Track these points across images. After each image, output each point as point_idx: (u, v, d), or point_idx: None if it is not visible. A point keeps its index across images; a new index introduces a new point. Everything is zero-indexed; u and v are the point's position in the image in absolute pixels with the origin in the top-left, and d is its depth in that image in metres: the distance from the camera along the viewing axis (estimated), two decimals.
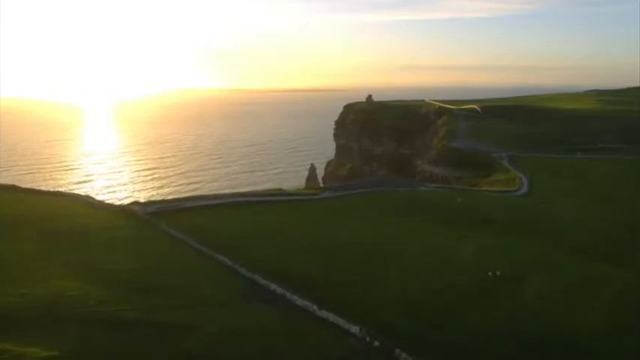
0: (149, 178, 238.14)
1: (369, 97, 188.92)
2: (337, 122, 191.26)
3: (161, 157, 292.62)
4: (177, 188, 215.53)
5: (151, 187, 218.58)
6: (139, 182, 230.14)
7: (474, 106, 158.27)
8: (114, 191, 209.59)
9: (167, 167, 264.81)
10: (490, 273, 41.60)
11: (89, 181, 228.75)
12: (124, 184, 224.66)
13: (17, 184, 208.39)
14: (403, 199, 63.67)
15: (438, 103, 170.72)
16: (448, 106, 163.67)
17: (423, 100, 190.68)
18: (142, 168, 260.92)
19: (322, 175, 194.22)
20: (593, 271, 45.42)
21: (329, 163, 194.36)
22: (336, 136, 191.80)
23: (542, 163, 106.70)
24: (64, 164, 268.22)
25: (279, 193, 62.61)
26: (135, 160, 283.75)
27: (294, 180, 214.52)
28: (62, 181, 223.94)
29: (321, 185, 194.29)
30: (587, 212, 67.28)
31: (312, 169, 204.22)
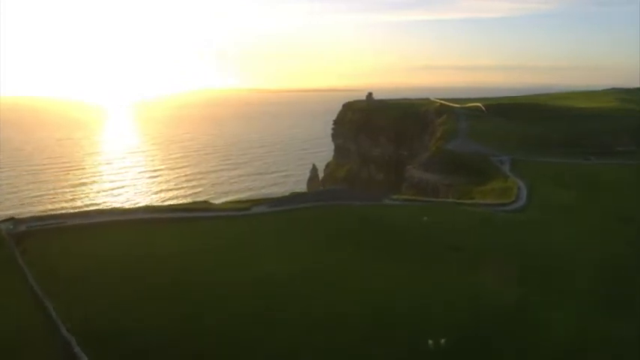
0: (152, 180, 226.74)
1: (369, 95, 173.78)
2: (335, 121, 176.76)
3: (169, 159, 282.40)
4: (177, 192, 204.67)
5: (153, 191, 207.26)
6: (141, 185, 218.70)
7: (478, 105, 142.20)
8: (113, 194, 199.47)
9: (173, 169, 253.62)
10: (430, 342, 27.59)
11: (92, 182, 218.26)
12: (125, 187, 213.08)
13: (18, 184, 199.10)
14: (354, 218, 49.52)
15: (440, 101, 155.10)
16: (451, 104, 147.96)
17: (427, 99, 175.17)
18: (148, 169, 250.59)
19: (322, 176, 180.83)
20: (590, 328, 31.08)
21: (328, 165, 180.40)
22: (334, 136, 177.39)
23: (548, 169, 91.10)
24: (70, 164, 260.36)
25: (199, 207, 49.28)
26: (142, 161, 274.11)
27: (298, 183, 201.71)
28: (64, 182, 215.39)
29: (321, 188, 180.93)
30: (592, 235, 52.22)
31: (314, 170, 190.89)
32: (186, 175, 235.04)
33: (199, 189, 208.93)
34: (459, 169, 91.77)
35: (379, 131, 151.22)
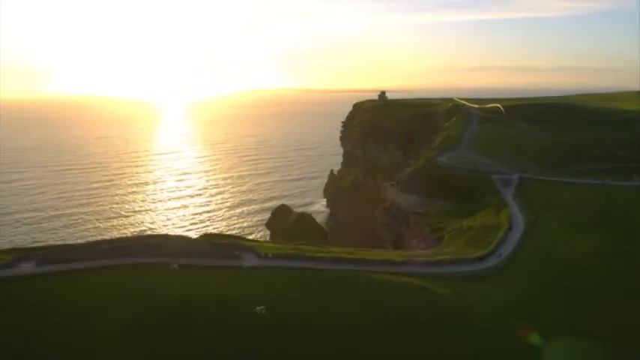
0: (175, 185, 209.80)
1: (382, 94, 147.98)
2: (344, 124, 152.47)
3: (200, 162, 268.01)
4: (197, 200, 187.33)
5: (171, 197, 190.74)
6: (161, 190, 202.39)
7: (497, 105, 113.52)
8: (127, 200, 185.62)
9: (201, 172, 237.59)
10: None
11: (108, 187, 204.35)
12: (141, 192, 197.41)
13: (44, 184, 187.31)
14: (142, 305, 26.51)
15: (458, 101, 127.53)
16: (469, 104, 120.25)
17: (451, 99, 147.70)
18: (174, 172, 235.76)
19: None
20: None
21: (338, 173, 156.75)
22: (342, 140, 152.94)
23: (569, 195, 63.99)
24: (97, 164, 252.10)
25: None
26: (171, 163, 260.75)
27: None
28: (83, 185, 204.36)
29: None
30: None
31: (331, 176, 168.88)
32: (211, 180, 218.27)
33: (219, 196, 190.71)
34: (444, 190, 66.62)
35: (387, 135, 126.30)
